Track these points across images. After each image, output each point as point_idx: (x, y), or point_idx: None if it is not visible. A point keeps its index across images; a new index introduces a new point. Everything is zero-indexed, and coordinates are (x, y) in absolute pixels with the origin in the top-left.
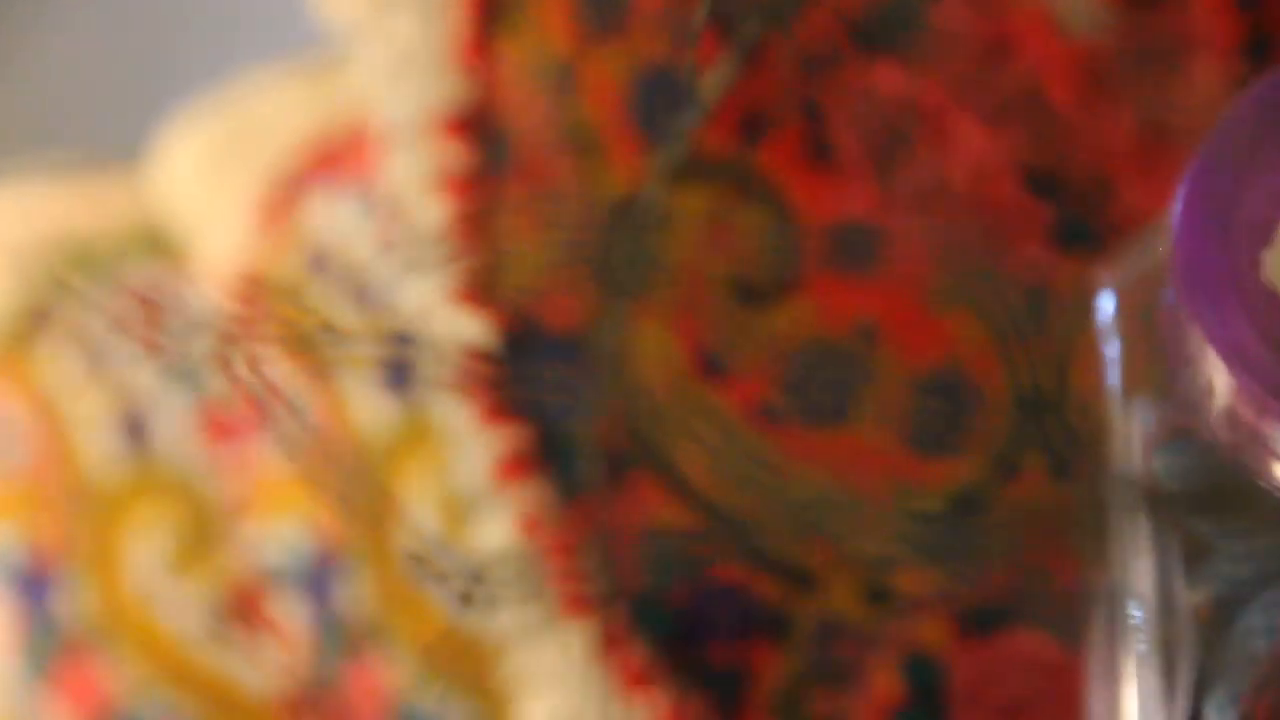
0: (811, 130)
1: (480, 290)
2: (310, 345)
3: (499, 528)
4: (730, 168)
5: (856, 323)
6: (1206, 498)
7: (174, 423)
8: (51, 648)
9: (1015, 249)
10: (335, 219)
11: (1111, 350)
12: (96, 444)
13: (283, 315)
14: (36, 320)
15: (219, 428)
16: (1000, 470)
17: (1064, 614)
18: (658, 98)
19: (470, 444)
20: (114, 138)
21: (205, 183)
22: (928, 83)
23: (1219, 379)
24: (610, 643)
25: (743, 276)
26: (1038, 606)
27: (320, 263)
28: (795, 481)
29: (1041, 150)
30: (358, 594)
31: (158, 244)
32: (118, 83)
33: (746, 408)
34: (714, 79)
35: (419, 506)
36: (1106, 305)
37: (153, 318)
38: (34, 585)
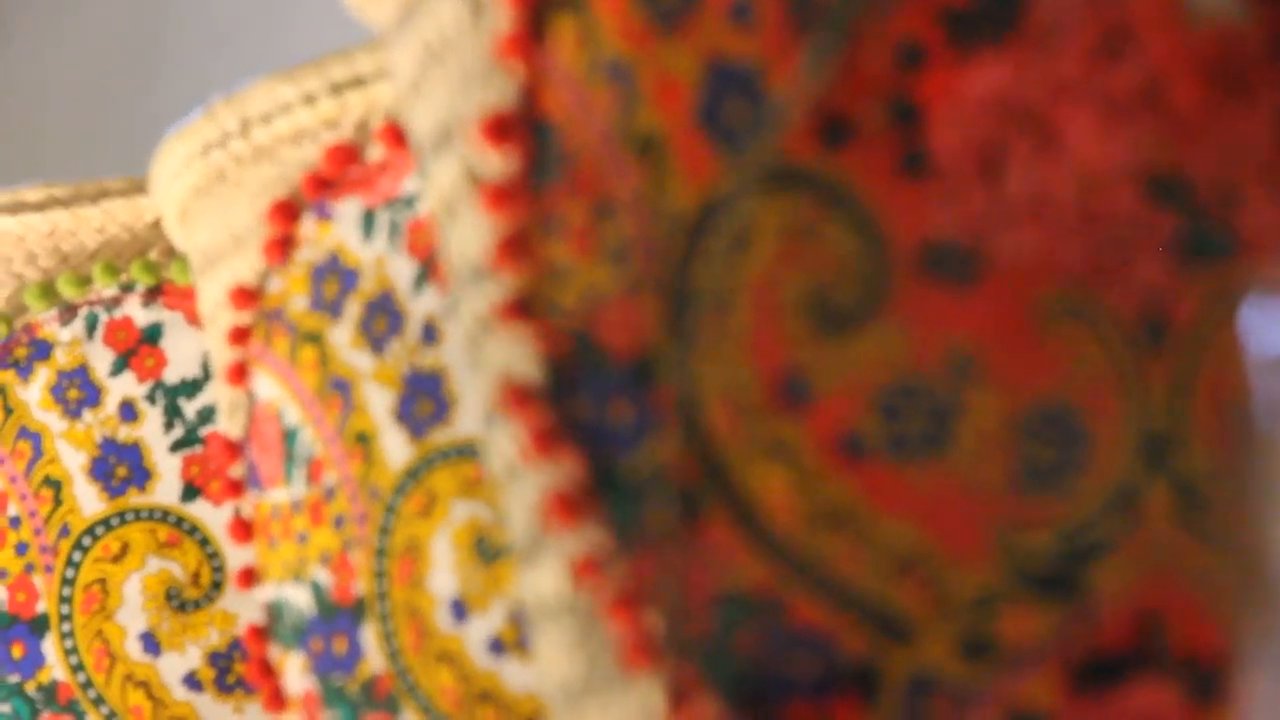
0: (903, 135)
1: (526, 310)
2: (327, 368)
3: (549, 572)
4: (810, 177)
5: (952, 348)
6: None
7: (167, 456)
8: (33, 707)
9: (1132, 264)
10: (354, 237)
11: (1263, 376)
12: (79, 481)
13: (298, 336)
14: (19, 343)
15: (221, 461)
16: (1119, 509)
17: (1194, 670)
18: (731, 99)
19: (517, 479)
20: (113, 153)
21: (208, 197)
22: (1034, 80)
23: None
24: (678, 700)
25: (825, 297)
26: (1163, 660)
27: (338, 284)
28: (884, 520)
29: (1163, 155)
30: (376, 645)
31: (154, 266)
32: (119, 96)
33: (828, 441)
34: (795, 78)
35: (452, 550)
36: (1255, 324)
37: (146, 343)
38: (13, 639)
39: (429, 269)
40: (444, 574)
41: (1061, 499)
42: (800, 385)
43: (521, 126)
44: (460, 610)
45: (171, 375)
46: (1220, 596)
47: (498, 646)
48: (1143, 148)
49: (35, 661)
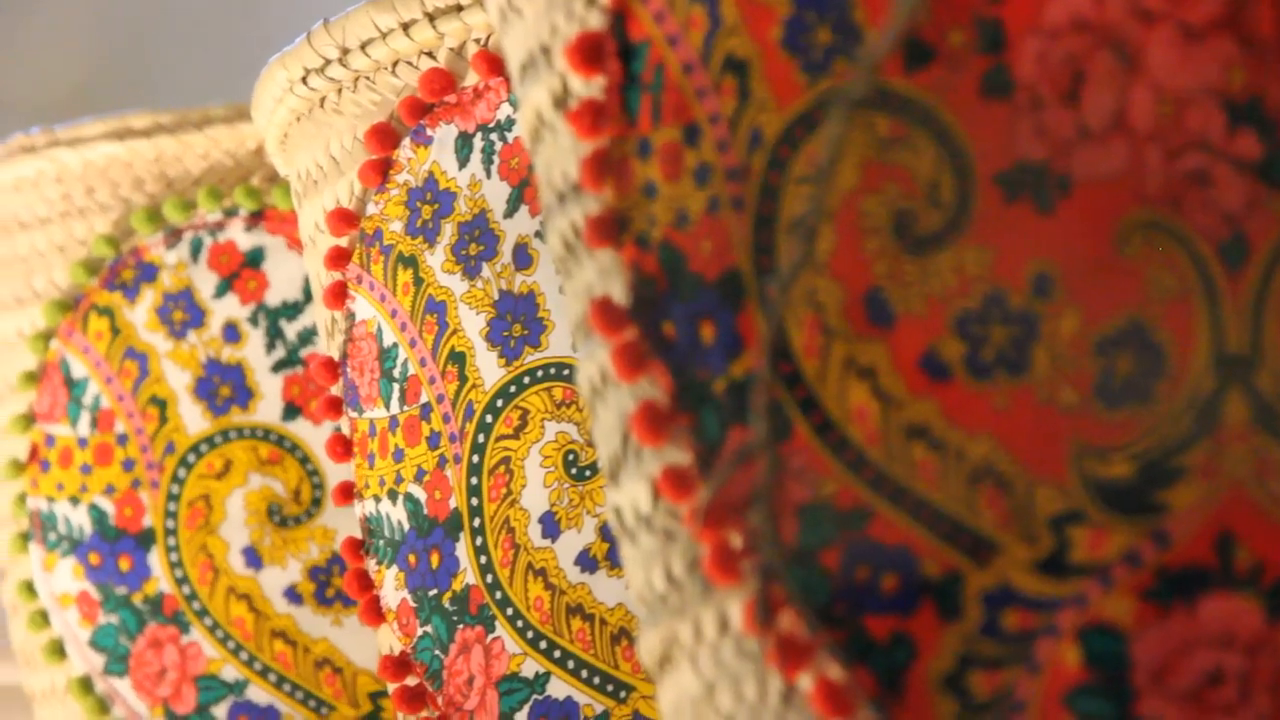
0: (985, 57)
1: (614, 230)
2: (422, 289)
3: (635, 488)
4: (896, 98)
5: (1032, 268)
6: None
7: (269, 376)
8: (138, 615)
9: (1211, 187)
10: (450, 160)
11: None
12: (185, 399)
13: (394, 258)
14: (126, 265)
15: (320, 380)
16: (1196, 424)
17: (1265, 584)
18: (818, 23)
19: (604, 397)
20: (217, 85)
21: (308, 122)
22: (1115, 3)
23: None
24: (764, 613)
25: (908, 218)
26: (1235, 576)
27: (431, 205)
28: (963, 438)
29: (1242, 79)
30: (471, 558)
31: (256, 191)
32: (221, 31)
33: (909, 361)
34: (884, 5)
35: (543, 468)
36: None
37: (248, 266)
38: (120, 550)
39: (522, 192)
40: (535, 491)
41: (1138, 416)
42: (883, 306)
43: (611, 50)
44: (552, 525)
45: (273, 298)
46: None
47: (588, 561)
48: (1221, 71)
49: (141, 574)
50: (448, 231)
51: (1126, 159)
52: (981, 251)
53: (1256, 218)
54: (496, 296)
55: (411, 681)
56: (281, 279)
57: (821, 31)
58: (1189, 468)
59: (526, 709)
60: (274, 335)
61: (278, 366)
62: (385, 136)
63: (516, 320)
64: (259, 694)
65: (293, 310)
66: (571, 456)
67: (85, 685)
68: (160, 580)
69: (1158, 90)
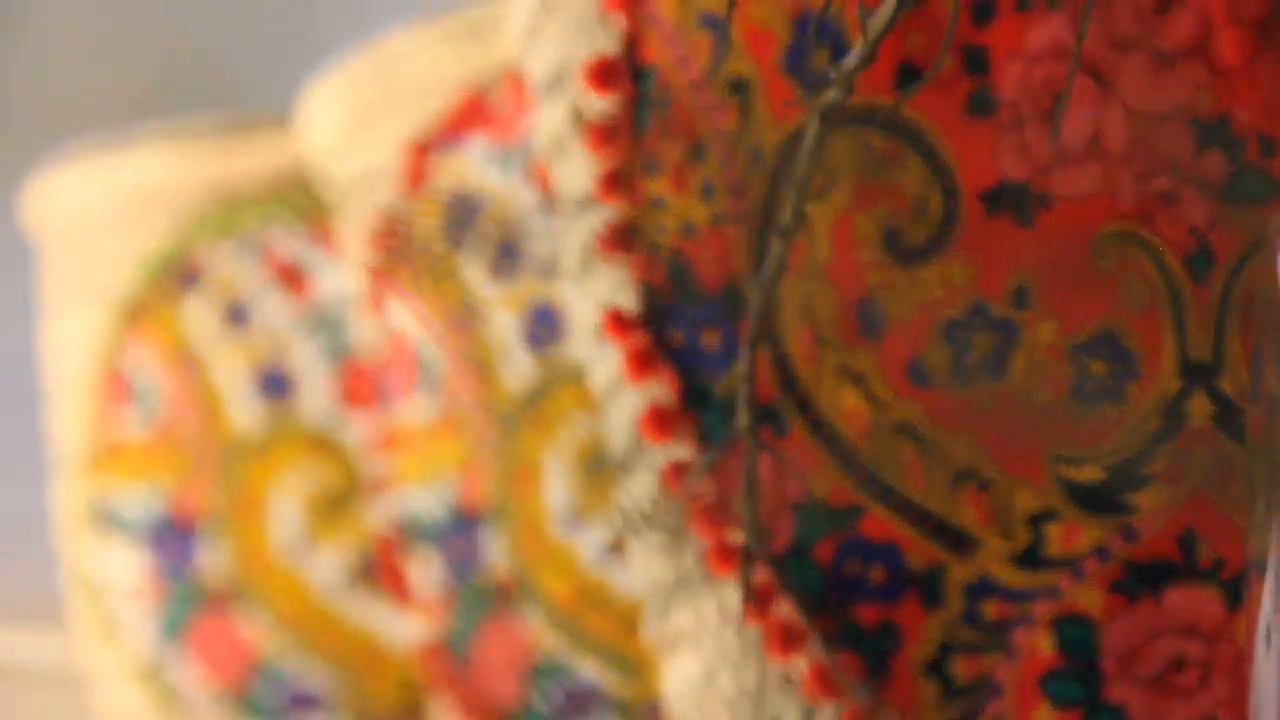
0: (970, 79)
1: (625, 241)
2: (454, 295)
3: (642, 483)
4: (885, 116)
5: (1012, 279)
6: None
7: (316, 377)
8: (192, 603)
9: (1180, 203)
10: (482, 171)
11: None
12: (239, 398)
13: (427, 265)
14: (184, 269)
15: (362, 381)
16: (1162, 425)
17: (1223, 577)
18: (814, 46)
19: (616, 398)
20: (262, 93)
21: (352, 135)
22: (1092, 32)
23: None
24: (758, 600)
25: (898, 232)
26: (1196, 569)
27: (466, 215)
28: (946, 440)
29: (1209, 102)
30: (498, 550)
31: (304, 200)
32: (265, 38)
33: (897, 367)
34: (876, 20)
35: (560, 461)
36: None
37: (298, 273)
38: (175, 541)
39: (549, 203)
40: (558, 487)
41: (1109, 420)
42: (873, 316)
43: (623, 71)
44: (573, 520)
45: (322, 302)
46: (1248, 507)
47: (608, 553)
48: (1190, 95)
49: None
50: (482, 237)
51: (1101, 176)
52: (965, 264)
53: (1220, 231)
54: (528, 300)
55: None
56: (332, 285)
57: (818, 55)
58: (1154, 474)
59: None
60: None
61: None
62: (422, 146)
63: (544, 324)
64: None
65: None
66: (592, 454)
67: None
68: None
69: (1130, 113)
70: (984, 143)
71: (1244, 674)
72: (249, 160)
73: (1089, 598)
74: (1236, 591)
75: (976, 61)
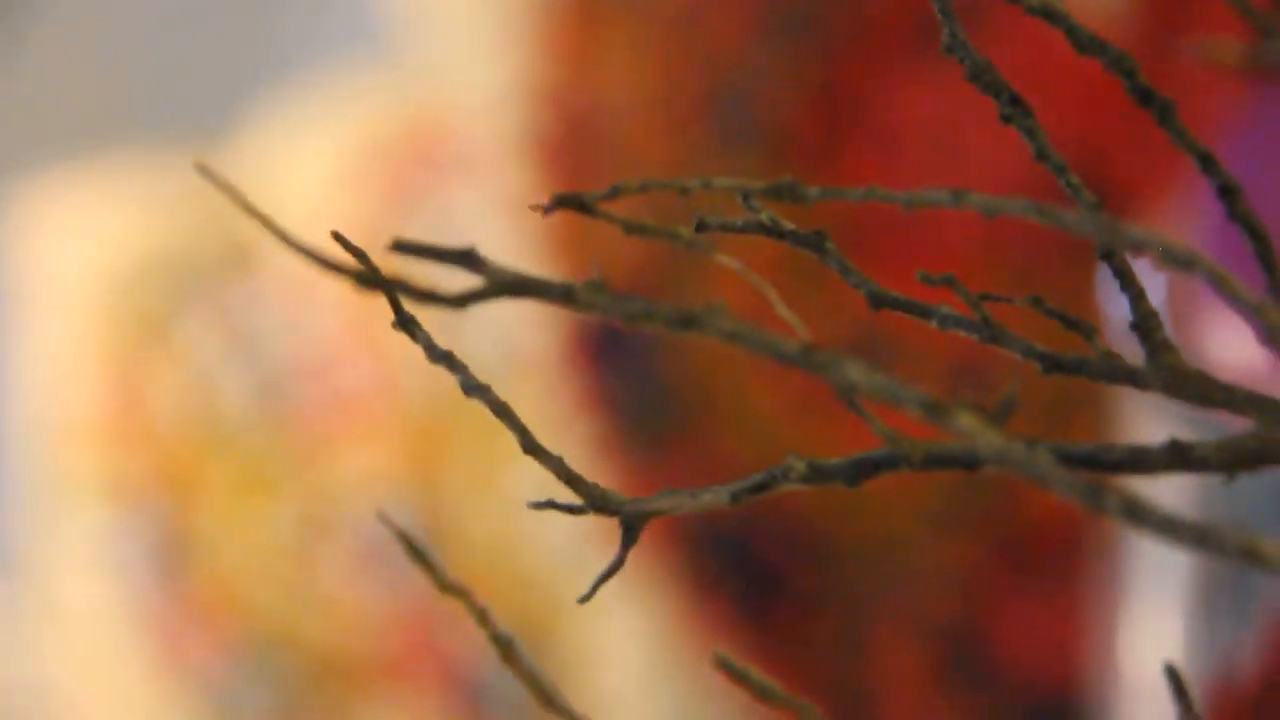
0: (877, 118)
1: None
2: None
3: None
4: (797, 151)
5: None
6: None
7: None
8: (154, 608)
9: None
10: (419, 195)
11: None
12: (190, 434)
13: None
14: (137, 324)
15: (308, 410)
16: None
17: (1088, 565)
18: (733, 109)
19: (559, 428)
20: (192, 120)
21: (292, 162)
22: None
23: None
24: (684, 609)
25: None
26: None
27: (406, 232)
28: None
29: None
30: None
31: (245, 253)
32: (195, 66)
33: (788, 396)
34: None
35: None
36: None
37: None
38: (137, 550)
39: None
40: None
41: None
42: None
43: (570, 98)
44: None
45: None
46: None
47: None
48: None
49: None
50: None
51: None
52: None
53: (1053, 244)
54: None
55: None
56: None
57: (728, 103)
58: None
59: None
60: None
61: None
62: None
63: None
64: None
65: None
66: None
67: None
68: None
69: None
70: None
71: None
72: (184, 215)
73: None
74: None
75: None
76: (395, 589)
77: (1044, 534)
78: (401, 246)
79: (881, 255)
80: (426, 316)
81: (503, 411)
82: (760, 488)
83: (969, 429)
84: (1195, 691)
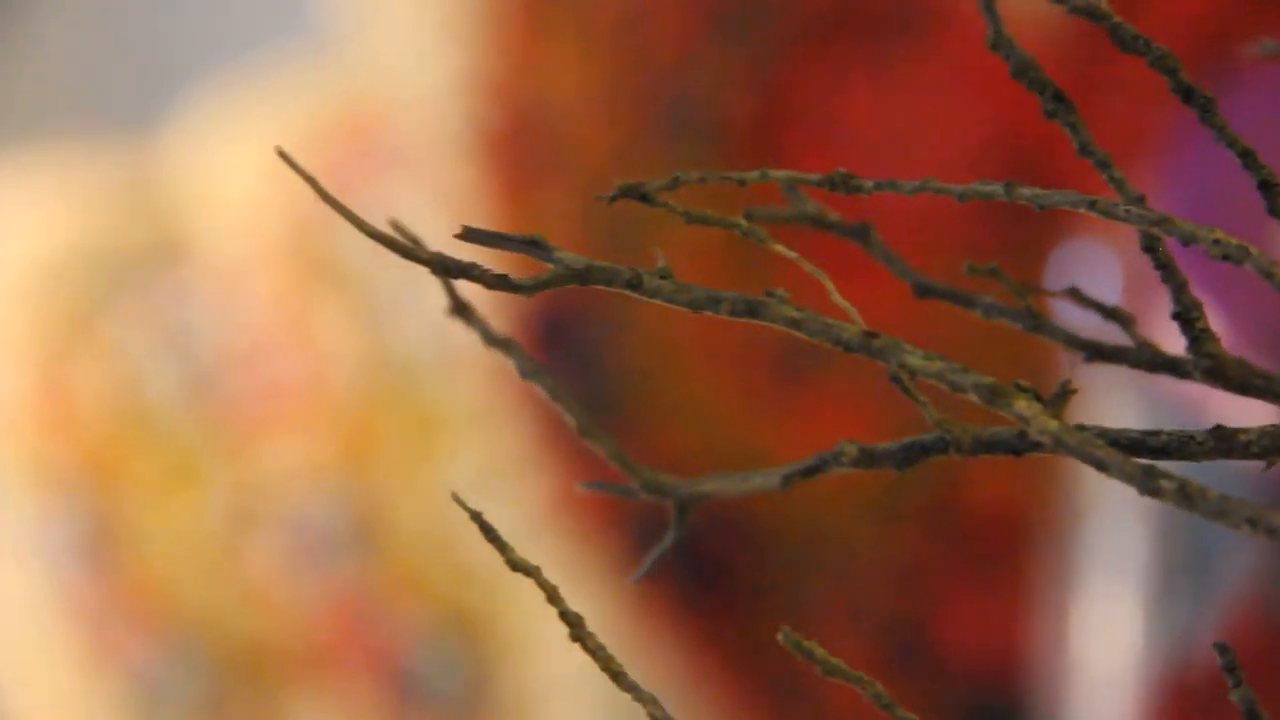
0: (828, 116)
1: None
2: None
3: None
4: (749, 149)
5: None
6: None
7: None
8: (81, 605)
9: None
10: (356, 187)
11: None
12: (119, 430)
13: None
14: (64, 321)
15: (238, 406)
16: None
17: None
18: (676, 105)
19: (501, 425)
20: (121, 112)
21: (219, 153)
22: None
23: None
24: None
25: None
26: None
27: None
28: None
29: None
30: (367, 560)
31: (173, 246)
32: (125, 57)
33: (732, 389)
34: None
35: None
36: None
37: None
38: (67, 546)
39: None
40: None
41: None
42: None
43: (515, 93)
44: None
45: None
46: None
47: None
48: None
49: None
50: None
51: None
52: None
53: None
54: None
55: None
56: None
57: (677, 106)
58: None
59: None
60: None
61: None
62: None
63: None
64: None
65: None
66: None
67: None
68: None
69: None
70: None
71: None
72: (112, 208)
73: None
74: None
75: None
76: (325, 579)
77: (988, 524)
78: (471, 234)
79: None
80: (353, 309)
81: (557, 395)
82: (811, 471)
83: (1026, 414)
84: (1152, 675)
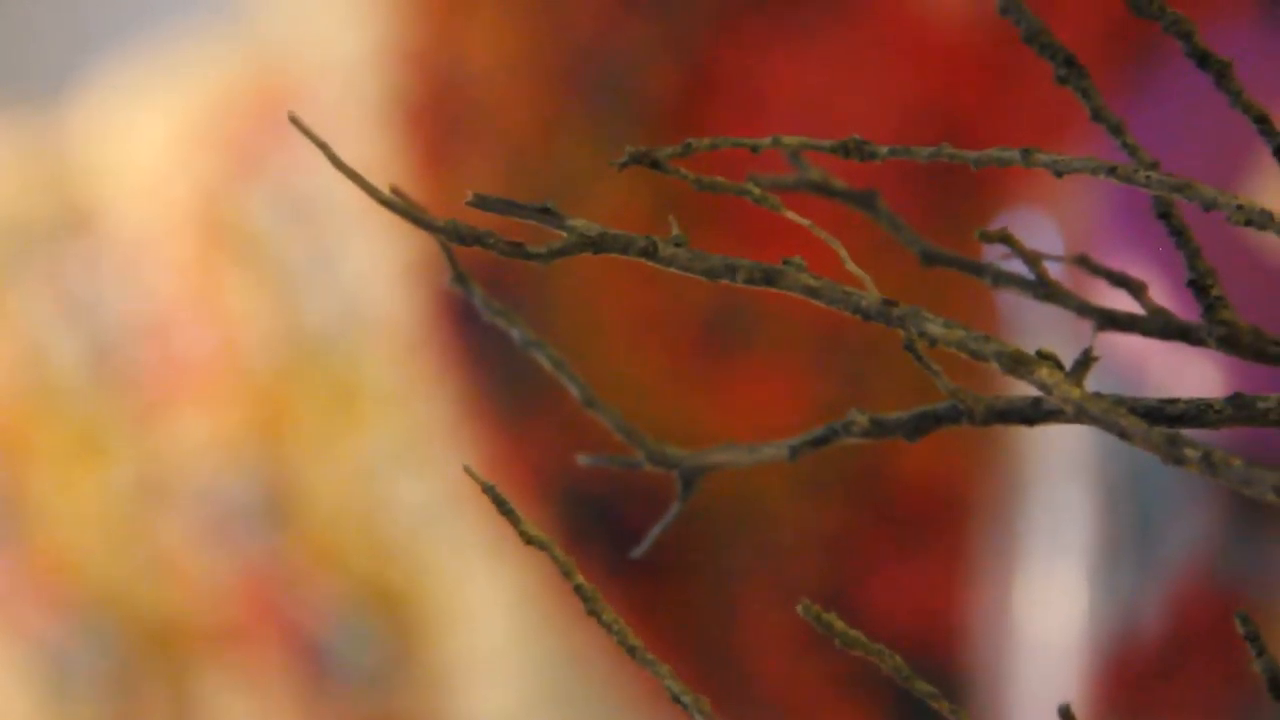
0: (752, 88)
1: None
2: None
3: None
4: (669, 121)
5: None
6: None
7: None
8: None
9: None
10: (267, 158)
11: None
12: (18, 402)
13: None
14: None
15: (146, 378)
16: None
17: (962, 528)
18: (598, 75)
19: (420, 397)
20: (30, 82)
21: (129, 125)
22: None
23: None
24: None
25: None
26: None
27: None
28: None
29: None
30: (282, 534)
31: (79, 212)
32: (34, 25)
33: (656, 363)
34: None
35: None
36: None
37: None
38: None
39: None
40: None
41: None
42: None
43: (434, 59)
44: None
45: None
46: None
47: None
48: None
49: None
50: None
51: None
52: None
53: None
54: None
55: None
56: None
57: (599, 72)
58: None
59: None
60: None
61: None
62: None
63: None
64: None
65: None
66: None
67: None
68: None
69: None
70: None
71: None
72: (19, 180)
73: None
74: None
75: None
76: (236, 554)
77: (918, 493)
78: (481, 201)
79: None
80: (264, 280)
81: (560, 366)
82: (820, 441)
83: (1049, 382)
84: (1093, 645)
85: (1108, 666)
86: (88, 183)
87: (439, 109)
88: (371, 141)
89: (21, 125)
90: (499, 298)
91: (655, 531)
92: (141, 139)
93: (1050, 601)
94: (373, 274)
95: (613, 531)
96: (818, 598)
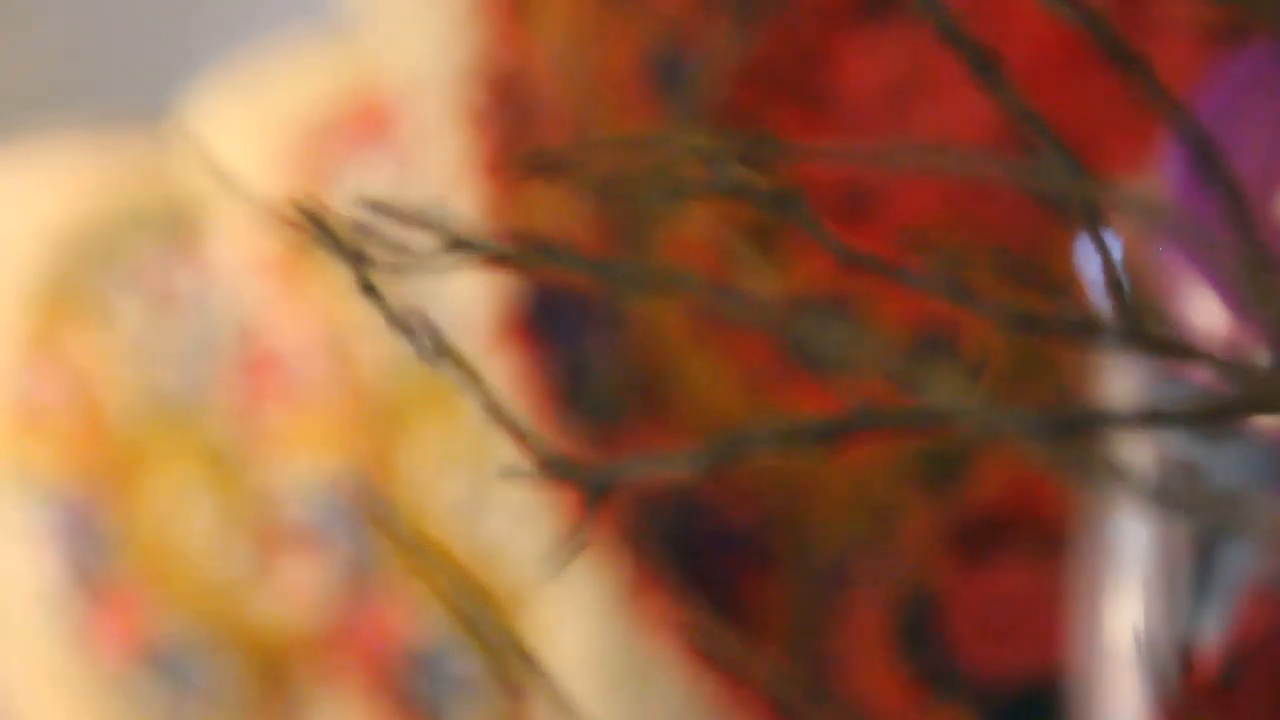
0: (820, 85)
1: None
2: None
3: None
4: (738, 121)
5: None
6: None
7: (202, 378)
8: (91, 590)
9: (1005, 205)
10: (362, 175)
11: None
12: (125, 405)
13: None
14: (67, 297)
15: (247, 379)
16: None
17: (1047, 538)
18: (671, 60)
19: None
20: (133, 100)
21: (230, 144)
22: (932, 45)
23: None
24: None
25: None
26: (1023, 536)
27: (349, 214)
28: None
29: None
30: (376, 542)
31: (179, 217)
32: (137, 44)
33: (746, 362)
34: (721, 41)
35: (441, 459)
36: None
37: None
38: (76, 530)
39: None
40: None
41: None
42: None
43: (505, 76)
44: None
45: None
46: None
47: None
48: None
49: None
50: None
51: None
52: (796, 263)
53: (1041, 231)
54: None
55: None
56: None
57: (672, 61)
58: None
59: None
60: None
61: None
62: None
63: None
64: None
65: None
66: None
67: None
68: None
69: (966, 120)
70: (825, 134)
71: (1069, 633)
72: (121, 182)
73: (928, 565)
74: (1058, 553)
75: (826, 66)
76: (337, 561)
77: (1006, 508)
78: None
79: (858, 220)
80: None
81: (470, 376)
82: (723, 455)
83: (945, 391)
84: (1160, 665)
85: (1172, 685)
86: (193, 199)
87: (514, 123)
88: (462, 156)
89: (127, 143)
90: (577, 330)
91: (575, 543)
92: (237, 156)
93: (1118, 619)
94: (467, 294)
95: (705, 531)
96: (912, 602)
